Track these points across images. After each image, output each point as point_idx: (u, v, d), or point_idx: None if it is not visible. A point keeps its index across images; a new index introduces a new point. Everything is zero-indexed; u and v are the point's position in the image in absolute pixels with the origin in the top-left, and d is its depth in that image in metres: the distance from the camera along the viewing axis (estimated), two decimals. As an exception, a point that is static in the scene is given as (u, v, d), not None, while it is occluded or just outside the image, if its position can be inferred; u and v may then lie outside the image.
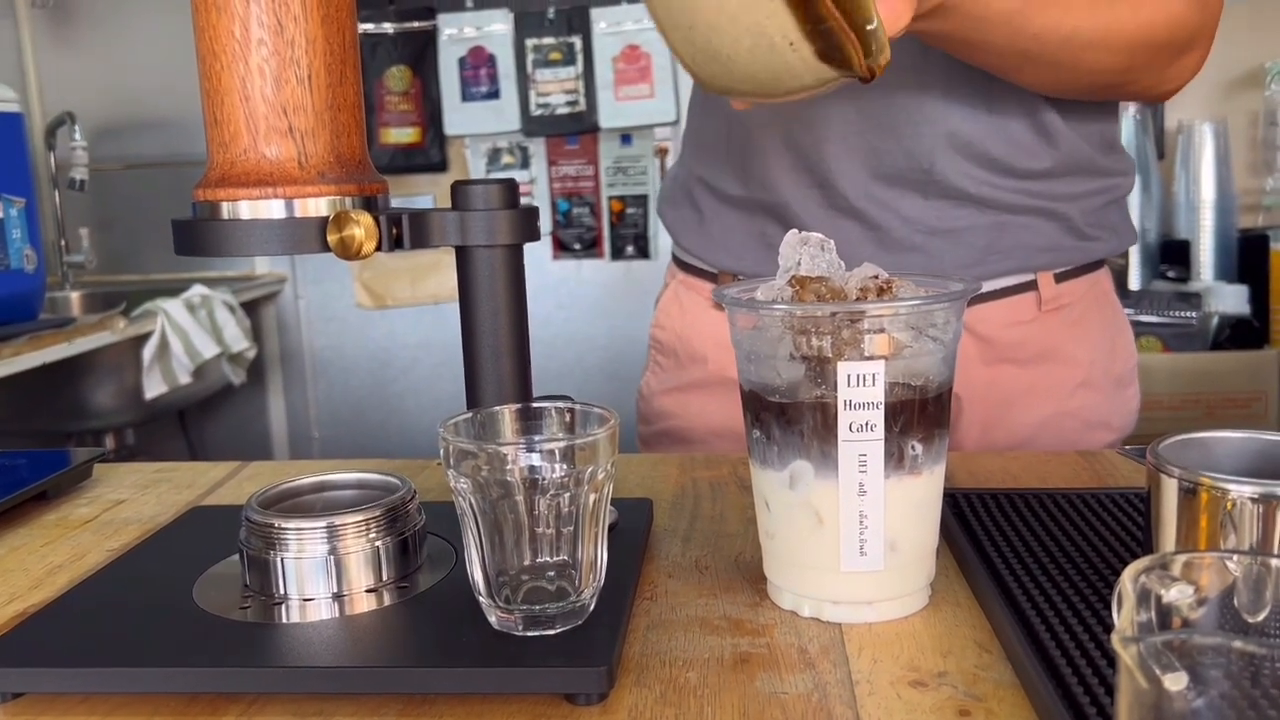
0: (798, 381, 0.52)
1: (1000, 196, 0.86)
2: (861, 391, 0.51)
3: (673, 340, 0.98)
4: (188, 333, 2.02)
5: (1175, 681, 0.36)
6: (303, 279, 2.66)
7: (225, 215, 0.52)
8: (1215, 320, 1.91)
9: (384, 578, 0.56)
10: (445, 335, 2.65)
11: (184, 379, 2.05)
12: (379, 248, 0.51)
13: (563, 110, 2.50)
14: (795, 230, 0.58)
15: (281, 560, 0.55)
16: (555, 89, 2.49)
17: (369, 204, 0.53)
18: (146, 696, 0.49)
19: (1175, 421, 1.81)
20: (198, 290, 2.12)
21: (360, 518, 0.55)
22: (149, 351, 1.99)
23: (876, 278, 0.55)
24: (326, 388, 2.72)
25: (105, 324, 1.89)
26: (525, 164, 2.56)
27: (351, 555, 0.55)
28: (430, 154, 2.57)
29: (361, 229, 0.50)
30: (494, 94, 2.52)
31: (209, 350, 2.05)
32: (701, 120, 0.96)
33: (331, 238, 0.51)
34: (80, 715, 0.48)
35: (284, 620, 0.53)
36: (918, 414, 0.52)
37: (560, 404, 0.53)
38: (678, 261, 1.00)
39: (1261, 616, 0.40)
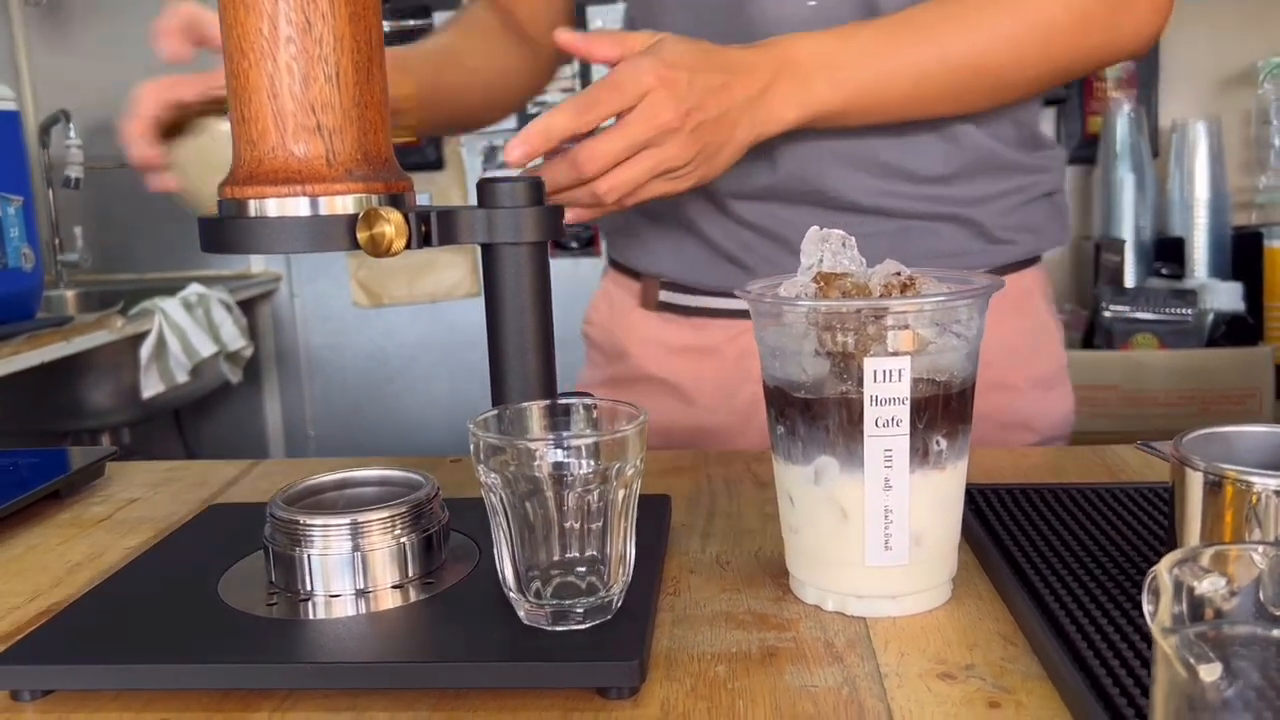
0: (823, 377, 0.53)
1: (899, 205, 0.84)
2: (888, 387, 0.51)
3: (601, 336, 1.00)
4: (185, 331, 2.01)
5: (1210, 672, 0.36)
6: (299, 278, 2.65)
7: (253, 213, 0.52)
8: (1210, 317, 1.92)
9: (409, 574, 0.56)
10: (442, 334, 2.65)
11: (181, 378, 2.05)
12: (409, 245, 0.51)
13: (559, 108, 2.50)
14: (816, 227, 0.58)
15: (308, 557, 0.55)
16: (552, 87, 2.49)
17: (395, 201, 0.54)
18: (178, 693, 0.49)
19: (1171, 418, 1.82)
20: (194, 289, 2.12)
21: (386, 514, 0.56)
22: (146, 350, 1.99)
23: (899, 274, 0.55)
24: (323, 386, 2.72)
25: (103, 323, 1.89)
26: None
27: (377, 552, 0.55)
28: (426, 152, 2.56)
29: (392, 226, 0.50)
30: (490, 92, 2.52)
31: (206, 349, 2.05)
32: None
33: (361, 235, 0.51)
34: (113, 712, 0.48)
35: (311, 616, 0.53)
36: (942, 409, 0.53)
37: (588, 400, 0.53)
38: (610, 260, 1.02)
39: (1286, 609, 0.41)
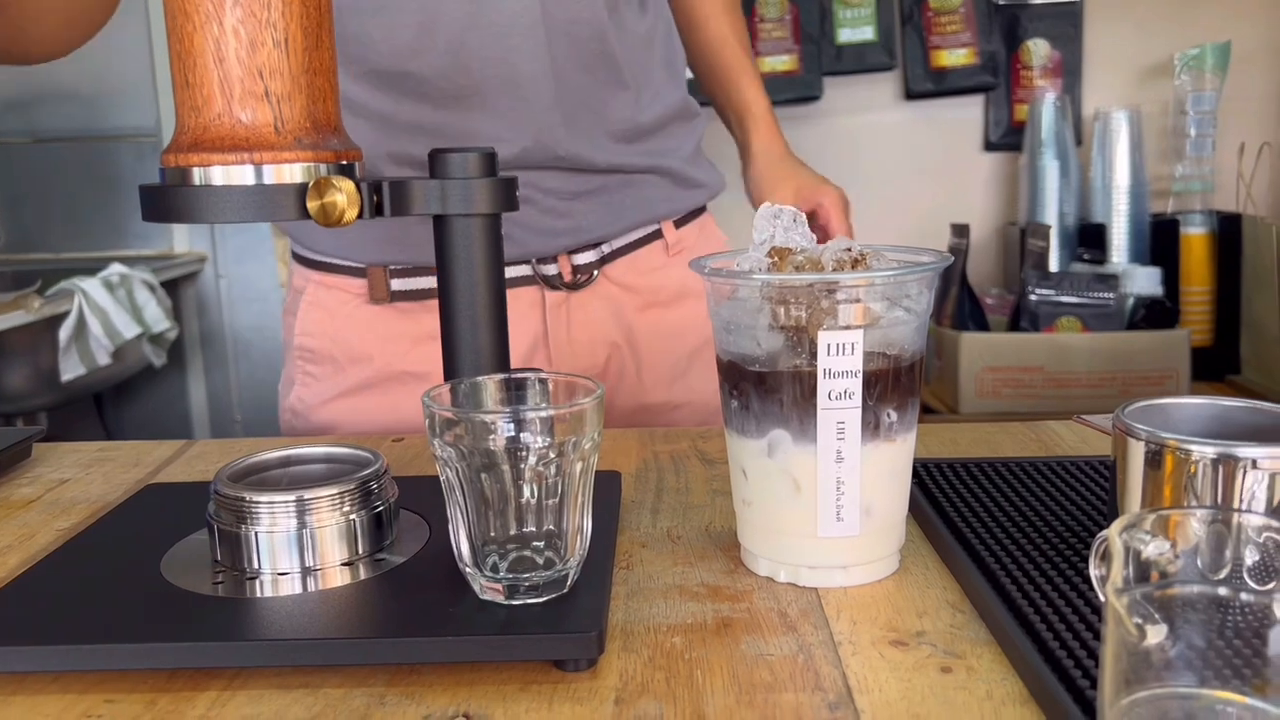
0: (777, 351, 0.53)
1: (623, 161, 0.93)
2: (840, 360, 0.52)
3: (327, 346, 0.93)
4: (107, 312, 1.95)
5: (1156, 634, 0.37)
6: (224, 258, 2.59)
7: (197, 181, 0.50)
8: (1131, 301, 1.98)
9: (359, 551, 0.55)
10: (372, 316, 2.61)
11: (103, 360, 1.99)
12: (361, 215, 0.50)
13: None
14: (768, 204, 0.59)
15: (255, 534, 0.54)
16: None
17: (346, 171, 0.53)
18: (122, 674, 0.48)
19: (1093, 399, 1.88)
20: (116, 269, 2.06)
21: (335, 490, 0.55)
22: (66, 332, 1.93)
23: (850, 250, 0.56)
24: (250, 370, 2.66)
25: (20, 303, 1.82)
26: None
27: (326, 529, 0.54)
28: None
29: (344, 195, 0.49)
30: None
31: (130, 331, 1.99)
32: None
33: (312, 204, 0.50)
34: (53, 695, 0.47)
35: (259, 595, 0.52)
36: (892, 382, 0.54)
37: (543, 374, 0.53)
38: (306, 263, 0.95)
39: (1223, 573, 0.42)
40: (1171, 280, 2.07)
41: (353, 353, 0.93)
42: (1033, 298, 1.96)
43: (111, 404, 2.59)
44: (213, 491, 0.55)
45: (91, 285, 1.96)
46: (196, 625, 0.49)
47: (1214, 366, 2.08)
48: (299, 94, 0.51)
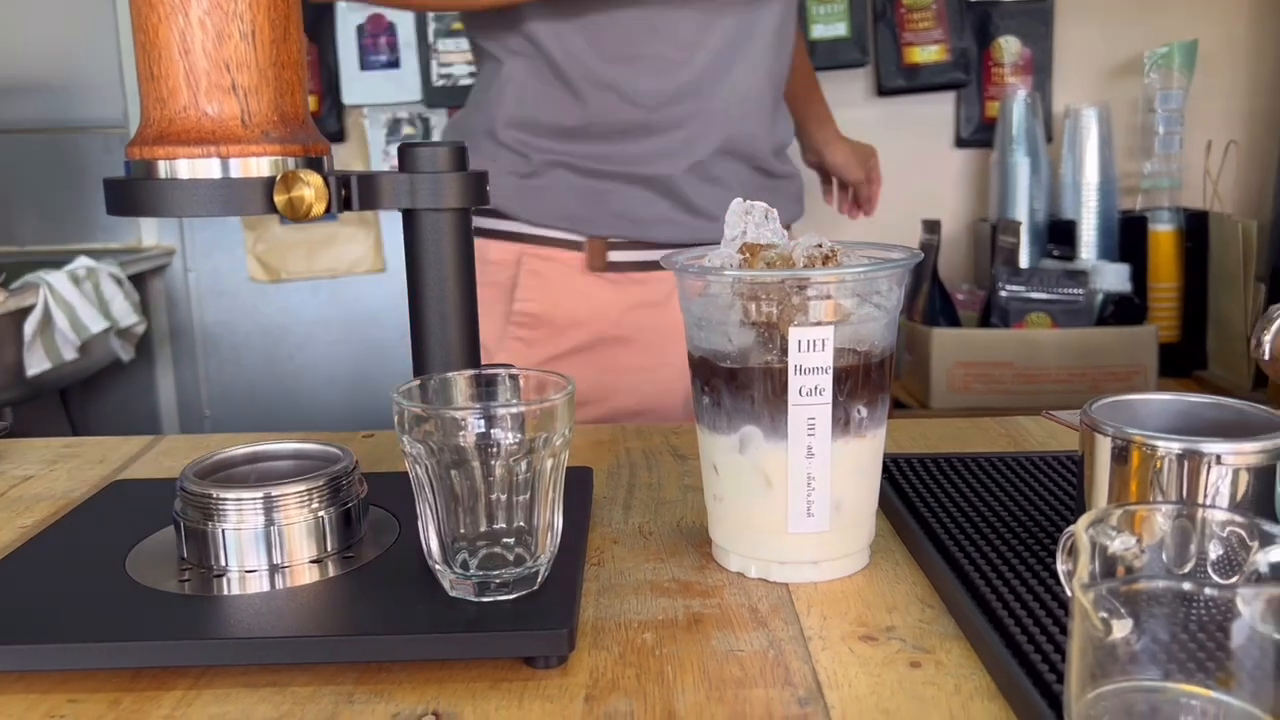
0: (748, 347, 0.53)
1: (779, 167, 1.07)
2: (811, 356, 0.52)
3: (548, 310, 1.01)
4: (73, 306, 1.92)
5: (1122, 628, 0.38)
6: (192, 251, 2.56)
7: (162, 174, 0.50)
8: (1100, 297, 2.00)
9: (328, 548, 0.55)
10: (342, 310, 2.59)
11: (69, 355, 1.96)
12: (329, 209, 0.50)
13: (466, 81, 2.46)
14: (739, 199, 0.59)
15: (222, 531, 0.53)
16: (458, 59, 2.45)
17: (314, 165, 0.52)
18: (87, 673, 0.47)
19: (1063, 394, 1.89)
20: (83, 262, 2.03)
21: (303, 487, 0.54)
22: (31, 326, 1.90)
23: (820, 246, 0.56)
24: (218, 364, 2.64)
25: (-17, 296, 1.79)
26: (427, 135, 2.51)
27: (294, 526, 0.54)
28: (327, 123, 2.50)
29: (312, 189, 0.48)
30: (394, 63, 2.46)
31: (96, 325, 1.97)
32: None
33: (279, 198, 0.49)
34: (16, 694, 0.46)
35: (226, 592, 0.52)
36: (863, 379, 0.54)
37: (514, 370, 0.52)
38: (518, 238, 1.01)
39: (1188, 568, 0.43)
40: (1140, 277, 2.09)
41: (570, 317, 1.00)
42: (1003, 293, 1.97)
43: (78, 399, 2.55)
44: (179, 488, 0.55)
45: (57, 278, 1.94)
46: (162, 623, 0.48)
47: (1181, 362, 2.10)
48: (266, 87, 0.50)
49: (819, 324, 0.52)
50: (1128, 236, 2.14)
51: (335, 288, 2.58)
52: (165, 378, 2.64)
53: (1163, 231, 2.15)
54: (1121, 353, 1.91)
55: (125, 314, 2.09)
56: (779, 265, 0.54)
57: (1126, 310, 1.98)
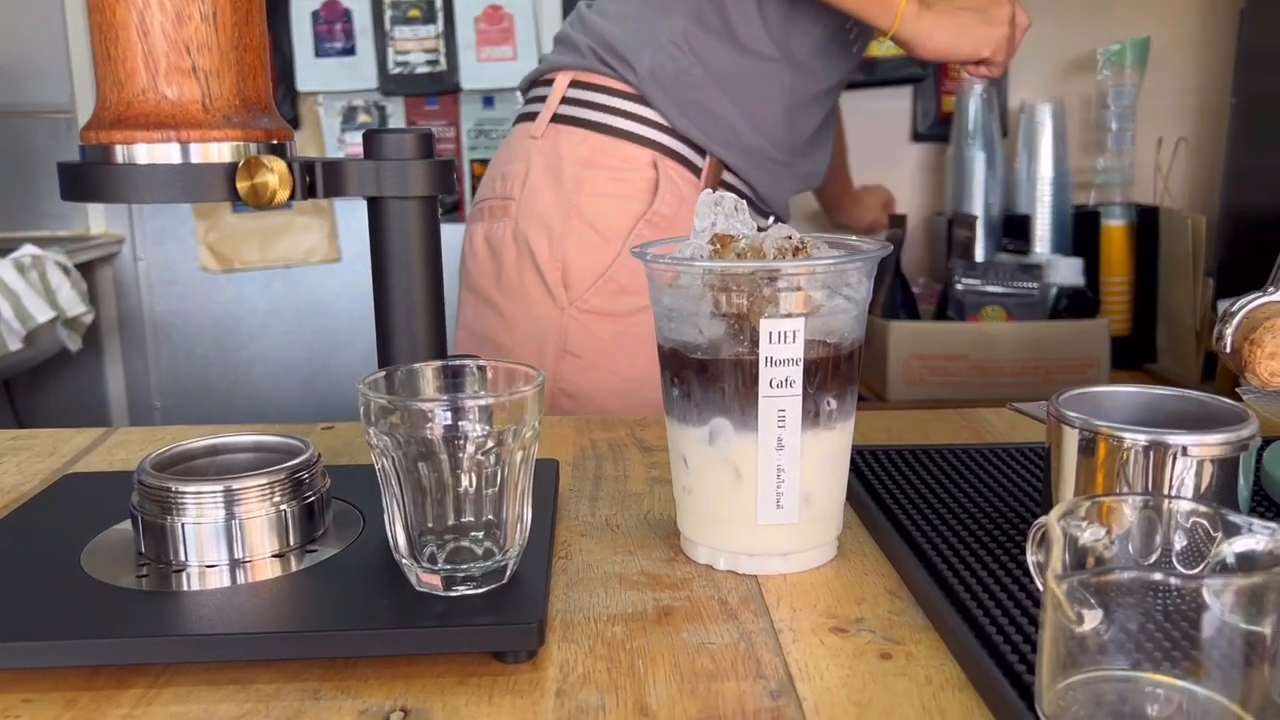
0: (719, 339, 0.53)
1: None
2: (782, 348, 0.52)
3: (682, 214, 1.08)
4: (18, 295, 1.88)
5: (1092, 618, 0.38)
6: (142, 240, 2.51)
7: (120, 159, 0.48)
8: (1053, 291, 2.02)
9: (290, 542, 0.54)
10: (296, 300, 2.55)
11: (14, 345, 1.91)
12: (293, 196, 0.49)
13: (422, 70, 2.43)
14: (709, 190, 0.58)
15: (181, 525, 0.52)
16: (415, 47, 2.42)
17: (277, 151, 0.51)
18: (41, 672, 0.46)
19: (1017, 386, 1.91)
20: (28, 250, 1.98)
21: (264, 480, 0.53)
22: (-26, 315, 1.85)
23: (790, 238, 0.56)
24: (169, 355, 2.59)
25: (-76, 285, 1.74)
26: (383, 124, 2.48)
27: (255, 520, 0.53)
28: (281, 110, 2.46)
29: (275, 176, 0.47)
30: (349, 50, 2.43)
31: (42, 314, 1.92)
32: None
33: (242, 185, 0.48)
34: (-34, 694, 0.44)
35: (186, 588, 0.50)
36: (833, 370, 0.54)
37: (482, 362, 0.52)
38: (646, 144, 1.08)
39: (1153, 558, 0.43)
40: (1092, 270, 2.12)
41: (689, 230, 1.11)
42: (959, 287, 1.99)
43: (24, 391, 2.49)
44: (136, 481, 0.54)
45: (1, 267, 1.89)
46: (120, 620, 0.47)
47: (1132, 355, 2.13)
48: (228, 70, 0.49)
49: (789, 316, 0.52)
50: (1080, 231, 2.17)
51: (289, 278, 2.54)
52: (114, 369, 2.58)
53: (1114, 226, 2.18)
54: (1074, 346, 1.93)
55: (72, 303, 2.04)
56: (750, 257, 0.54)
57: (1079, 304, 2.01)
